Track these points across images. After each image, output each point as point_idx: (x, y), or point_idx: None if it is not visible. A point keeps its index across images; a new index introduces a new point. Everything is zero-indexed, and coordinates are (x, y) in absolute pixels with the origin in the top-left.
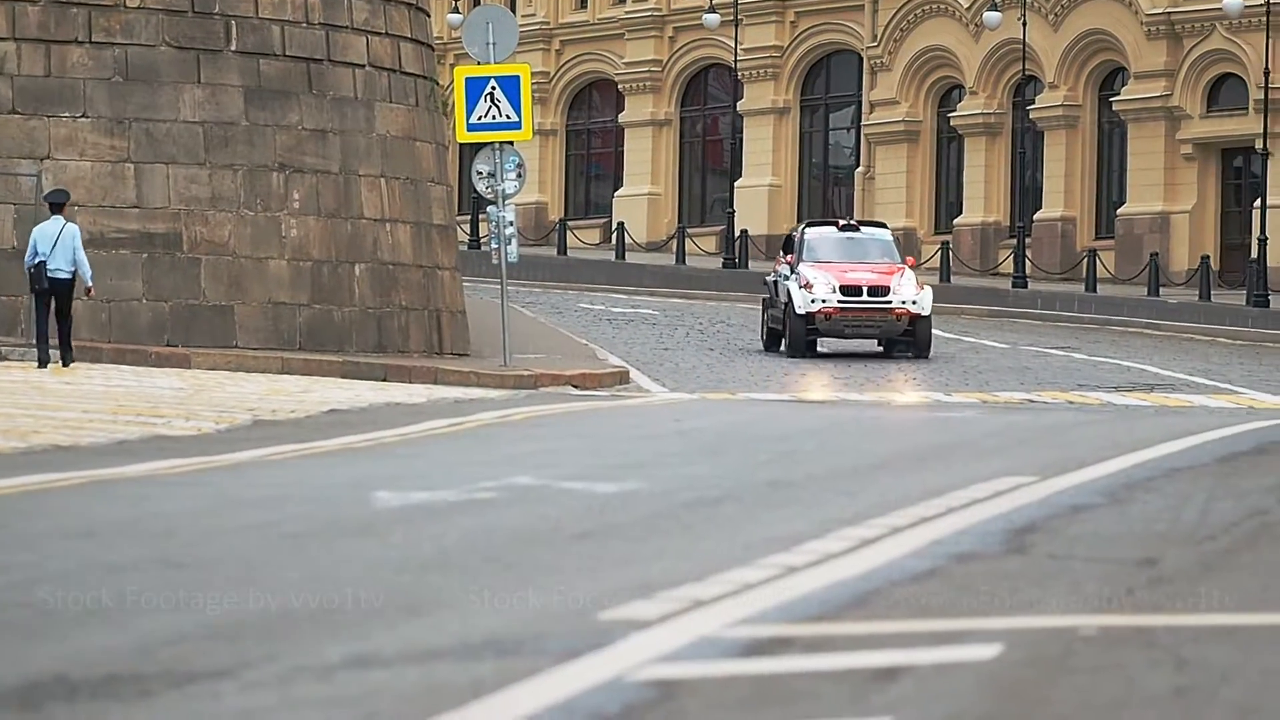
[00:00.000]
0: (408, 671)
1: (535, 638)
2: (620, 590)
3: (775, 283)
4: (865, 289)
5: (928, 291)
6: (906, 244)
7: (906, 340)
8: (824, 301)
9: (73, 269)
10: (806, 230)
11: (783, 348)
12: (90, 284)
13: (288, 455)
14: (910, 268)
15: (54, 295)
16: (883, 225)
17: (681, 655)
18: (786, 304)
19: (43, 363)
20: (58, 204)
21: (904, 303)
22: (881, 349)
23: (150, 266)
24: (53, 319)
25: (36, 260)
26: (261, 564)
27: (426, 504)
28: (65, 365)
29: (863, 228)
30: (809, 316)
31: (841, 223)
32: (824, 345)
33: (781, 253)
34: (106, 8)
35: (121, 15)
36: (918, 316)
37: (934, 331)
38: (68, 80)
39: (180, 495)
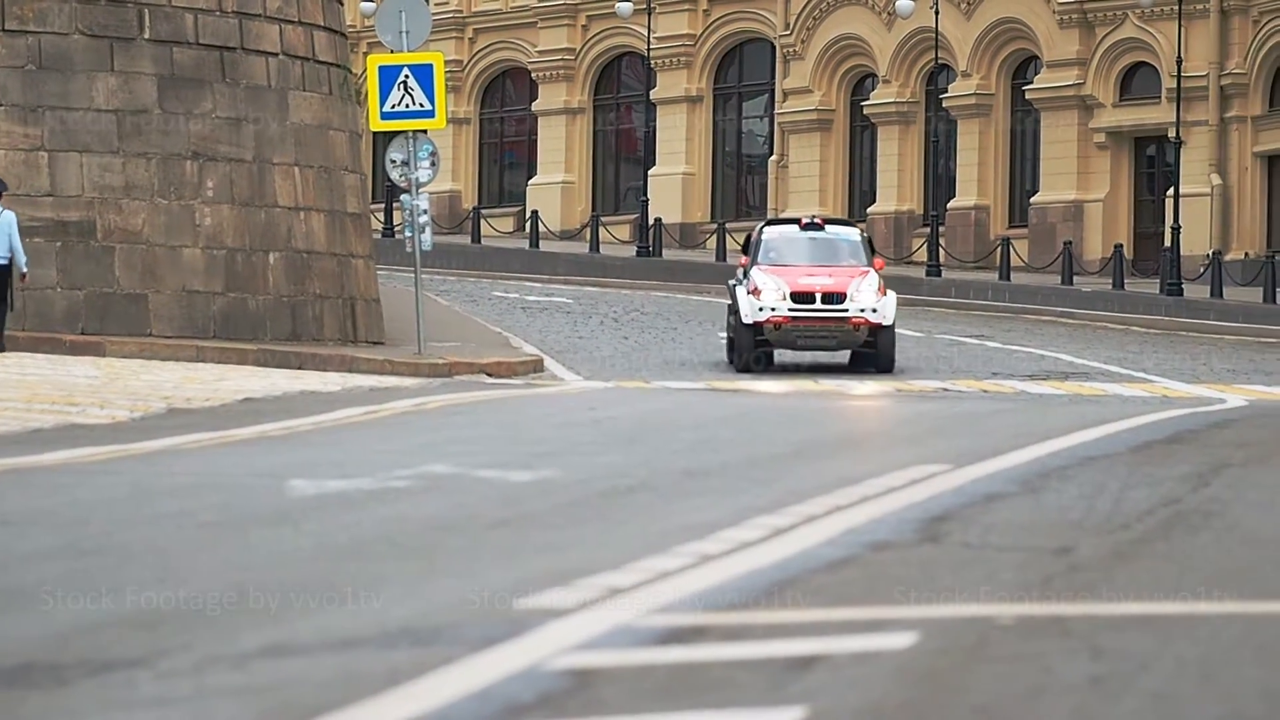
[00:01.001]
0: (324, 660)
1: (452, 626)
2: (537, 579)
3: (733, 288)
4: (819, 295)
5: (891, 298)
6: None
7: (868, 353)
8: (773, 309)
9: (9, 255)
10: (765, 229)
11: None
12: (25, 270)
13: (203, 444)
14: (878, 271)
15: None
16: (850, 224)
17: (598, 644)
18: (735, 312)
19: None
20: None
21: (862, 311)
22: (847, 362)
23: (64, 255)
24: None
25: None
26: (177, 553)
27: (342, 493)
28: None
29: (829, 227)
30: (757, 326)
31: (804, 220)
32: (783, 358)
33: (741, 253)
34: None
35: (35, 4)
36: (878, 326)
37: None
38: None
39: (95, 484)
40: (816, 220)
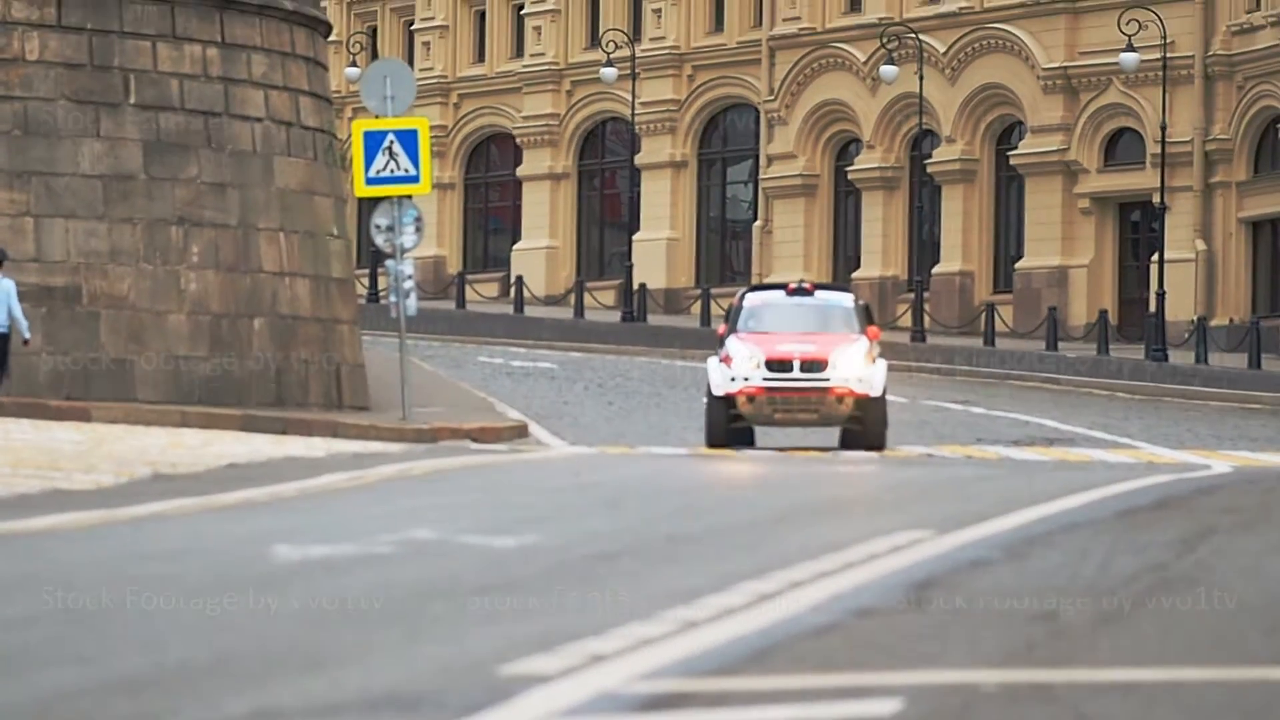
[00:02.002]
0: None
1: (435, 692)
2: (520, 644)
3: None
4: (797, 363)
5: (880, 367)
6: None
7: (855, 430)
8: (746, 379)
9: (8, 323)
10: (747, 295)
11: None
12: (27, 335)
13: (187, 509)
14: (872, 340)
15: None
16: (844, 289)
17: (581, 710)
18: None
19: None
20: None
21: (845, 381)
22: (837, 444)
23: (50, 320)
24: None
25: None
26: (161, 618)
27: (326, 558)
28: None
29: (820, 292)
30: (729, 399)
31: (792, 285)
32: (767, 437)
33: (724, 322)
34: (5, 61)
35: (20, 69)
36: (865, 398)
37: None
38: None
39: (80, 549)
40: (805, 285)
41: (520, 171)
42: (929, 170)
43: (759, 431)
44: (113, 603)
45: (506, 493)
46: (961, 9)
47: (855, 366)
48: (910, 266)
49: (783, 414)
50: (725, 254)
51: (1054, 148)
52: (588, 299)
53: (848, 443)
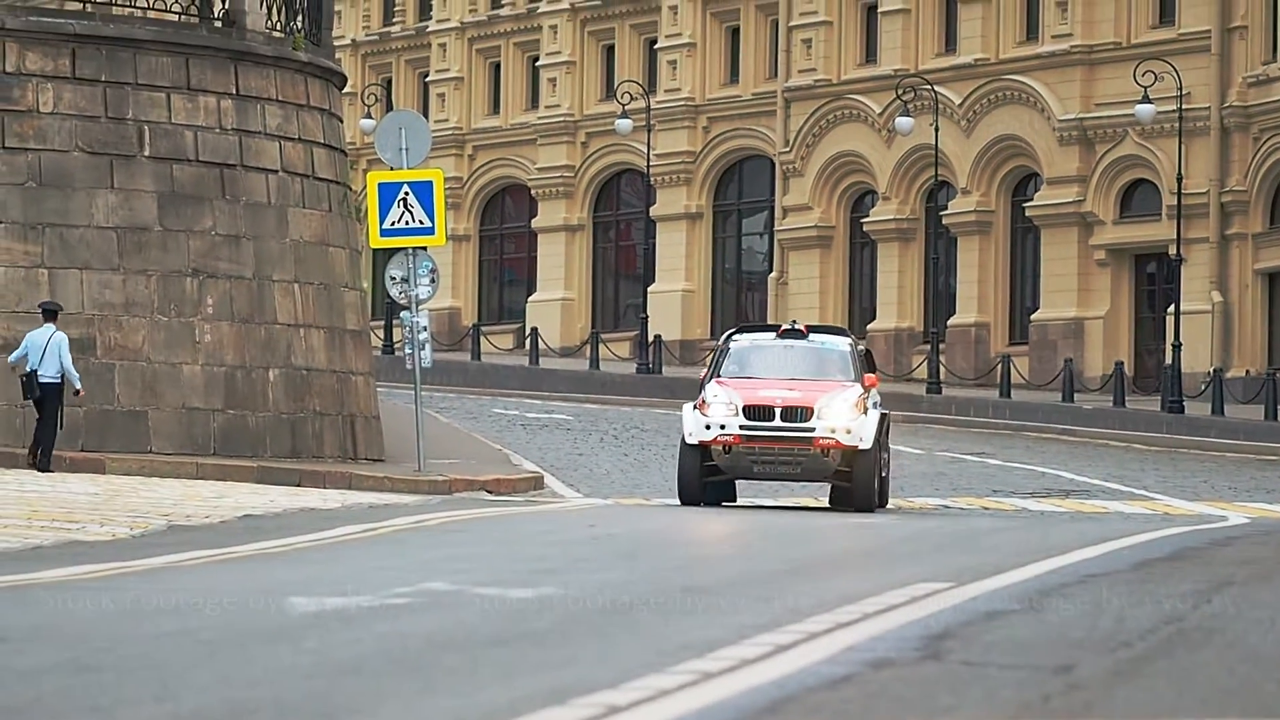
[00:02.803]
0: None
1: None
2: (534, 696)
3: None
4: (778, 410)
5: (872, 418)
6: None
7: (844, 487)
8: (722, 427)
9: (59, 374)
10: (734, 337)
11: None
12: (79, 387)
13: (202, 561)
14: (869, 387)
15: (43, 401)
16: (841, 332)
17: None
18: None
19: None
20: (51, 312)
21: (831, 431)
22: (829, 498)
23: None
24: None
25: (29, 369)
26: (176, 670)
27: (341, 610)
28: (42, 470)
29: (815, 335)
30: (703, 449)
31: (783, 327)
32: (749, 493)
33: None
34: (20, 113)
35: (35, 120)
36: (854, 451)
37: None
38: None
39: (95, 601)
40: (799, 327)
41: (535, 223)
42: (944, 222)
43: (741, 486)
44: (127, 655)
45: (521, 544)
46: (977, 60)
47: (843, 416)
48: (926, 318)
49: (762, 466)
50: (740, 305)
51: (1070, 199)
52: (603, 350)
53: (837, 500)
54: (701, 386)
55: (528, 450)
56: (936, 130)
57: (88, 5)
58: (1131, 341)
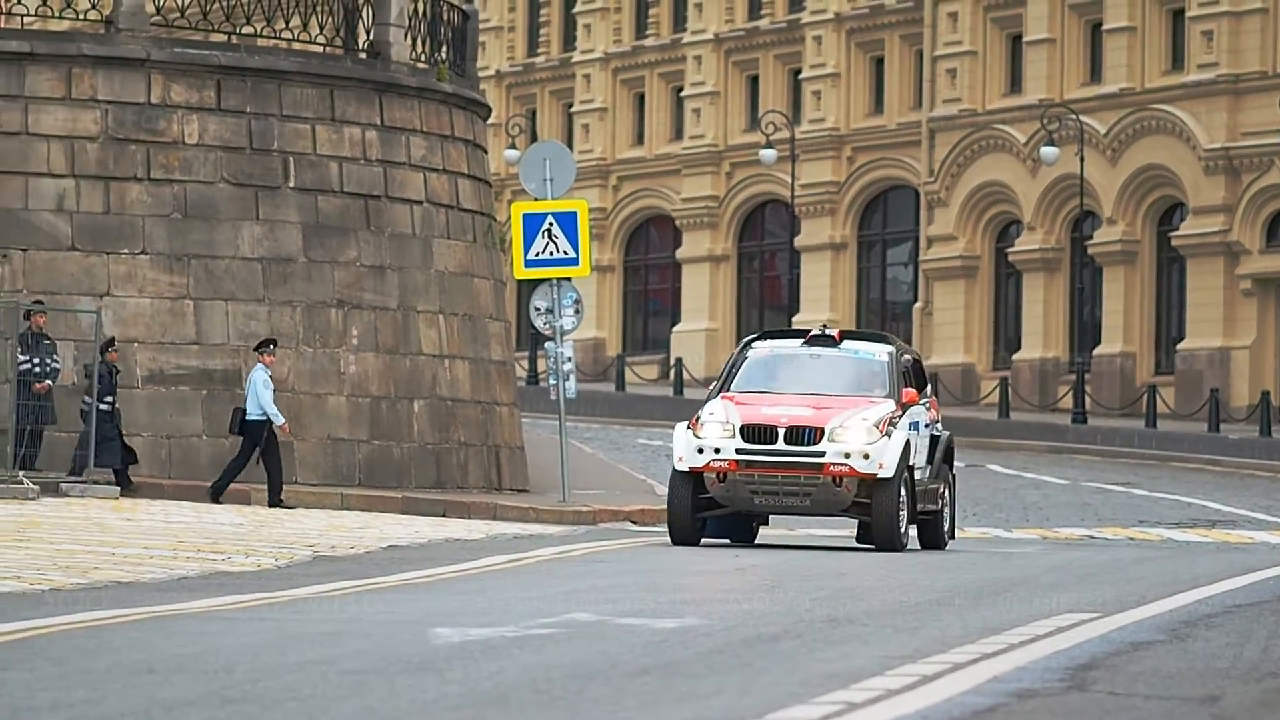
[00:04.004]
0: None
1: None
2: None
3: None
4: (782, 431)
5: (897, 441)
6: (964, 381)
7: (861, 519)
8: (716, 451)
9: (260, 411)
10: (752, 345)
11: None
12: (279, 422)
13: (347, 591)
14: (906, 404)
15: (251, 438)
16: (884, 339)
17: None
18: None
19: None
20: (256, 348)
21: (845, 456)
22: (856, 536)
23: (210, 403)
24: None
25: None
26: (321, 701)
27: (485, 640)
28: (271, 505)
29: (848, 342)
30: (696, 476)
31: (813, 332)
32: (772, 530)
33: None
34: (165, 145)
35: (180, 152)
36: (871, 480)
37: (992, 468)
38: (127, 217)
39: (240, 631)
40: (830, 333)
41: (680, 253)
42: (1090, 251)
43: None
44: (272, 686)
45: (665, 575)
46: (1122, 90)
47: (859, 438)
48: (1071, 348)
49: (764, 498)
50: None
51: (1215, 229)
52: None
53: (865, 537)
54: (709, 398)
55: None
56: (1081, 160)
57: (233, 37)
58: (1277, 371)
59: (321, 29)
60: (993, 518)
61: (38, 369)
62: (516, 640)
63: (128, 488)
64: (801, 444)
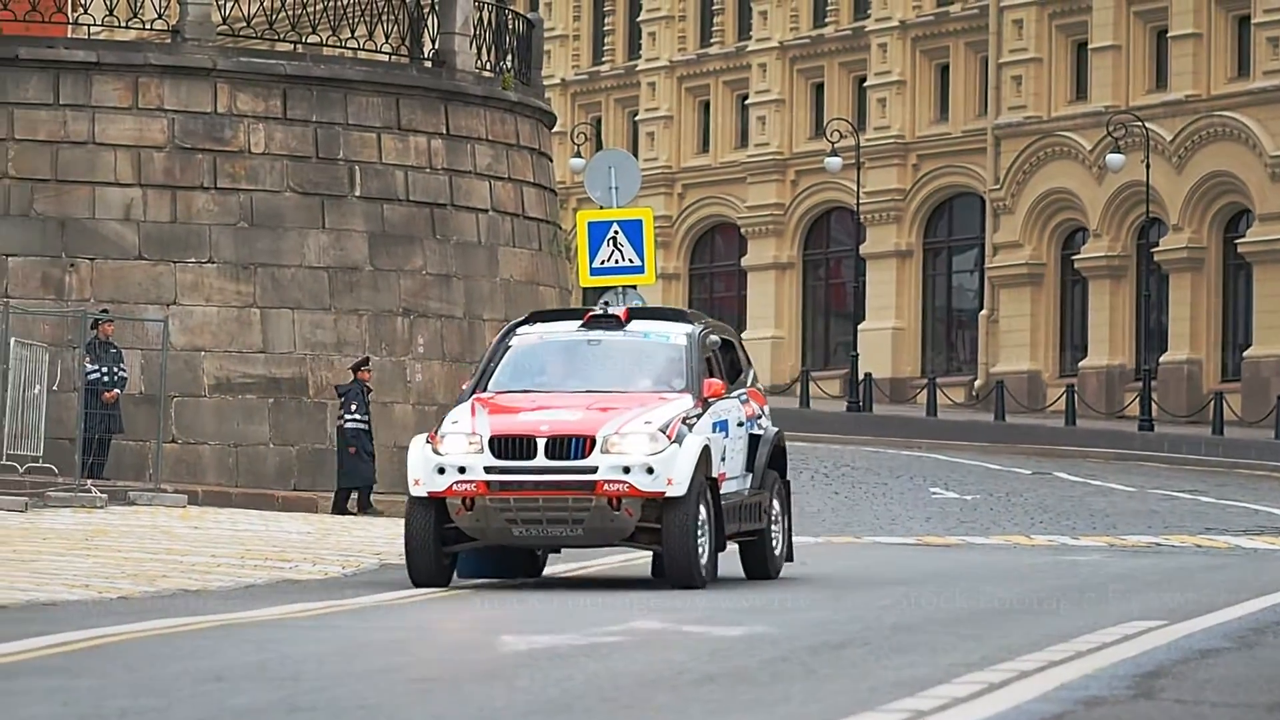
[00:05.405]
0: None
1: None
2: None
3: None
4: (543, 443)
5: (690, 448)
6: (1030, 388)
7: (650, 547)
8: (460, 471)
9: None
10: (516, 331)
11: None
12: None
13: (414, 599)
14: (709, 398)
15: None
16: (683, 317)
17: None
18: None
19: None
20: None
21: (624, 472)
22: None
23: (276, 411)
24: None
25: None
26: (387, 708)
27: (551, 648)
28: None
29: (637, 322)
30: (437, 503)
31: (593, 311)
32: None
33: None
34: (231, 154)
35: (246, 161)
36: (659, 500)
37: (1059, 476)
38: (193, 226)
39: (307, 639)
40: (615, 311)
41: (745, 261)
42: (1156, 258)
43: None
44: (339, 694)
45: (731, 582)
46: (1188, 96)
47: (639, 447)
48: (1137, 355)
49: (524, 528)
50: (951, 343)
51: None
52: (813, 388)
53: (661, 568)
54: (458, 400)
55: None
56: (1147, 167)
57: (298, 46)
58: None
59: (387, 38)
60: (1059, 525)
61: (105, 378)
62: (583, 648)
63: (368, 509)
64: (567, 458)
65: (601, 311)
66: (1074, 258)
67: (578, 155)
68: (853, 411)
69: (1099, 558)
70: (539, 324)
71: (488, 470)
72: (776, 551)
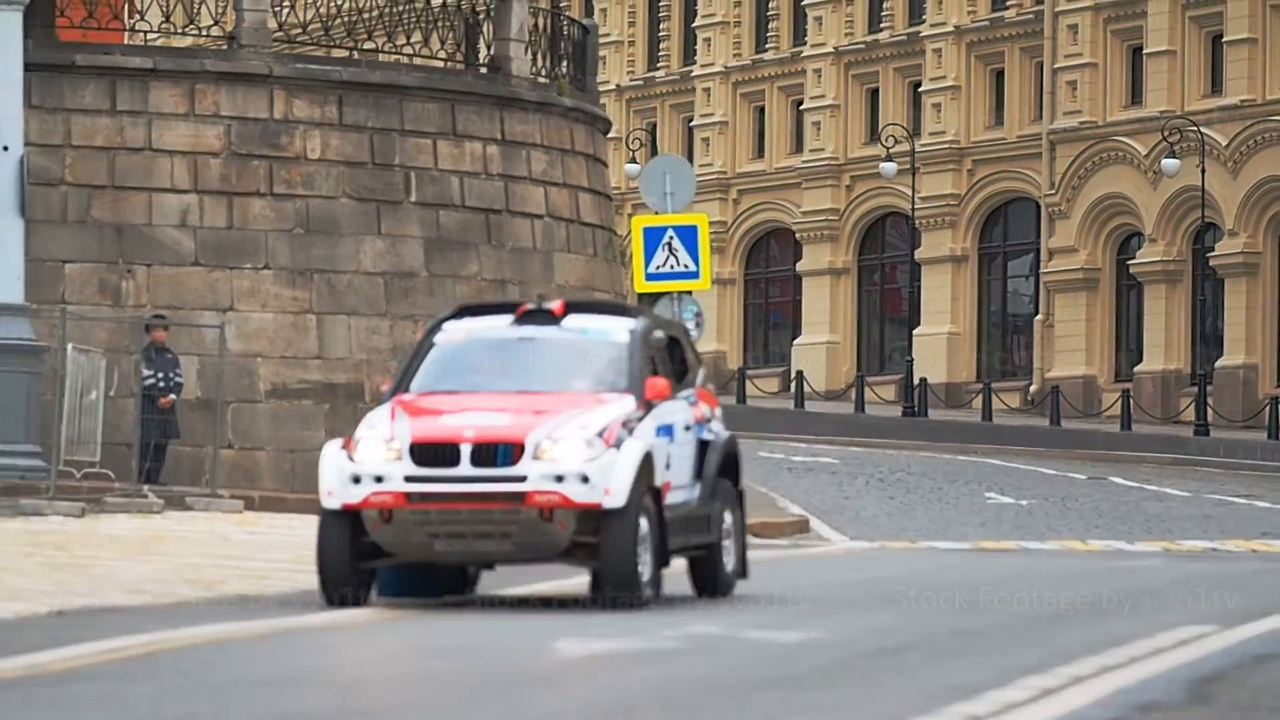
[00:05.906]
0: None
1: None
2: None
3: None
4: (467, 449)
5: (629, 454)
6: (1086, 393)
7: (588, 564)
8: (378, 480)
9: None
10: (443, 325)
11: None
12: None
13: (470, 604)
14: (651, 400)
15: None
16: (625, 311)
17: None
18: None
19: None
20: None
21: (556, 480)
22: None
23: (333, 417)
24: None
25: None
26: (444, 714)
27: (608, 654)
28: None
29: (574, 317)
30: (352, 516)
31: (526, 305)
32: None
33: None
34: (287, 160)
35: (302, 167)
36: (595, 512)
37: (1115, 481)
38: (249, 232)
39: (363, 644)
40: (549, 306)
41: (800, 266)
42: (1212, 263)
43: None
44: (395, 700)
45: (788, 588)
46: (1243, 101)
47: (573, 453)
48: (1193, 360)
49: (446, 542)
50: (1006, 348)
51: None
52: (868, 394)
53: (601, 585)
54: (379, 402)
55: (793, 494)
56: (1203, 172)
57: (354, 52)
58: None
59: (442, 44)
60: (1115, 530)
61: (161, 384)
62: (639, 654)
63: None
64: (494, 465)
65: (536, 306)
66: (1129, 263)
67: (633, 161)
68: (908, 417)
69: (1155, 563)
70: (467, 319)
71: (407, 479)
72: (729, 567)
